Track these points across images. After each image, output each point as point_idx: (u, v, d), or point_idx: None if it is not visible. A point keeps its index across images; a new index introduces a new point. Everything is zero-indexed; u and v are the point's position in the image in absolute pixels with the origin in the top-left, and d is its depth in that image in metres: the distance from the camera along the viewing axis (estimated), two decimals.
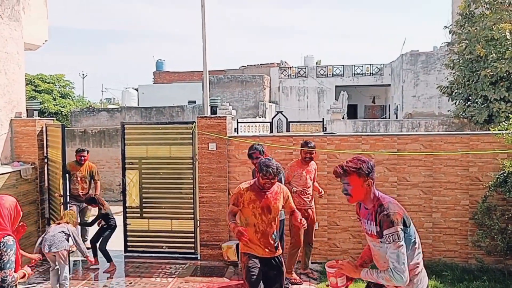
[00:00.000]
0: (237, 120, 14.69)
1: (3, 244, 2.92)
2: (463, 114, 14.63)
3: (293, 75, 27.92)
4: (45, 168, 7.05)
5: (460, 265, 6.16)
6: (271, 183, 3.95)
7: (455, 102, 15.29)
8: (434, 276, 5.73)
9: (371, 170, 2.83)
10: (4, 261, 2.91)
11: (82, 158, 7.42)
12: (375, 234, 2.78)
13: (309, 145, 5.86)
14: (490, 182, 6.04)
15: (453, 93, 15.16)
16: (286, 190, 4.17)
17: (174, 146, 6.89)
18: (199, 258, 6.76)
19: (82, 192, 7.33)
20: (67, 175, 6.84)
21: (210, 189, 6.70)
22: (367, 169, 2.81)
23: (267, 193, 3.99)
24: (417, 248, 2.82)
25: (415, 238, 2.81)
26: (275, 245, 4.04)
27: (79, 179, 7.32)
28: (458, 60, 14.68)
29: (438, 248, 6.34)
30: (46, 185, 7.08)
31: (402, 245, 2.66)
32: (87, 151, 7.56)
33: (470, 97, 14.47)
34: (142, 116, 19.51)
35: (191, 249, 6.85)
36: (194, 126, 6.76)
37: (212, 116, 6.81)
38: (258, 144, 5.66)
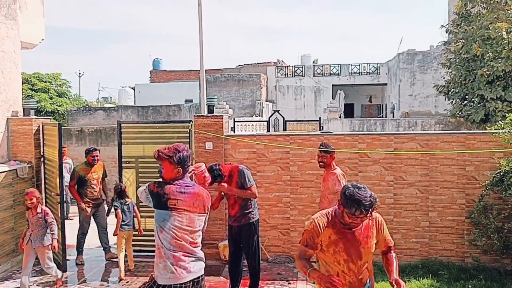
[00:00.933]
0: (234, 119, 14.70)
1: None
2: (460, 113, 14.69)
3: (290, 74, 27.94)
4: (42, 167, 7.02)
5: (456, 264, 6.18)
6: (361, 222, 2.86)
7: (452, 101, 15.35)
8: (430, 275, 5.75)
9: (182, 161, 3.23)
10: None
11: (95, 158, 6.82)
12: None
13: (321, 146, 5.42)
14: (486, 181, 6.06)
15: (450, 92, 15.22)
16: (379, 217, 3.01)
17: (171, 145, 6.86)
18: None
19: (100, 194, 6.98)
20: (76, 179, 6.69)
21: (207, 188, 6.68)
22: (178, 158, 3.21)
23: (353, 230, 2.89)
24: None
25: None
26: None
27: (95, 181, 6.84)
28: (454, 59, 14.74)
29: (435, 247, 6.36)
30: (43, 184, 7.05)
31: None
32: (99, 150, 6.97)
33: (466, 96, 14.54)
34: (139, 115, 19.49)
35: None
36: (191, 125, 6.75)
37: (209, 115, 6.81)
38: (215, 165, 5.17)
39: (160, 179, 3.35)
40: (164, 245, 3.13)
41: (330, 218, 2.88)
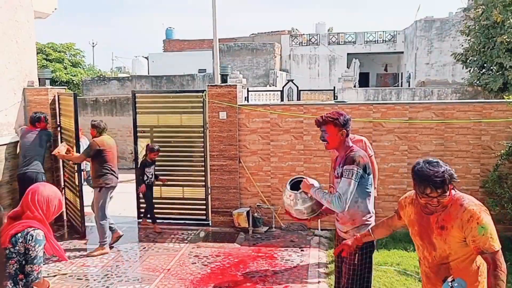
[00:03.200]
0: (248, 88, 14.64)
1: (31, 238, 2.48)
2: (477, 82, 14.40)
3: (304, 43, 27.51)
4: (59, 137, 7.15)
5: None
6: (438, 203, 2.42)
7: (470, 70, 15.02)
8: None
9: (346, 122, 3.20)
10: (31, 256, 2.48)
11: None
12: (339, 175, 3.16)
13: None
14: (502, 151, 6.00)
15: (468, 61, 14.88)
16: (473, 212, 2.37)
17: (185, 114, 6.92)
18: (210, 224, 6.90)
19: None
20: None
21: (221, 157, 6.76)
22: (343, 121, 3.18)
23: (430, 216, 2.52)
24: (370, 200, 3.23)
25: (371, 191, 3.21)
26: None
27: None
28: (473, 27, 14.32)
29: None
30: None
31: (354, 182, 3.04)
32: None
33: (485, 65, 14.20)
34: (152, 85, 19.52)
35: (203, 215, 6.98)
36: (205, 95, 6.76)
37: (223, 84, 6.79)
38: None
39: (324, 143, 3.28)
40: (370, 210, 3.24)
41: (416, 196, 2.54)
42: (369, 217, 3.23)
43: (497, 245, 2.31)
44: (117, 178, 5.99)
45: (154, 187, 6.87)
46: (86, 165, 7.62)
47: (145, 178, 6.67)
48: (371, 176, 3.22)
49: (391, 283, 4.77)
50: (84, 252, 5.84)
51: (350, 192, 3.03)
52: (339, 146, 3.23)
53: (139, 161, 6.95)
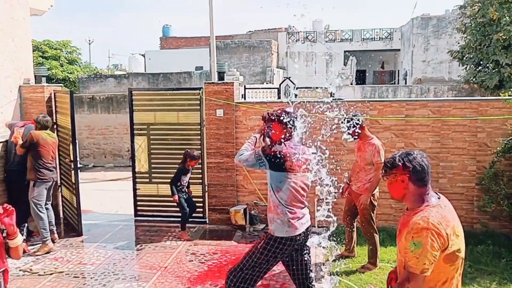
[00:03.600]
0: (245, 86, 14.60)
1: None
2: (474, 79, 14.43)
3: (301, 40, 27.50)
4: (55, 134, 7.12)
5: (465, 229, 6.16)
6: (388, 182, 2.43)
7: (466, 67, 15.06)
8: None
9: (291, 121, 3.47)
10: None
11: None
12: None
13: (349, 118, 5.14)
14: (498, 148, 6.02)
15: (464, 58, 14.92)
16: (415, 224, 2.19)
17: (182, 112, 6.91)
18: (207, 222, 6.90)
19: None
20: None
21: (218, 155, 6.76)
22: (288, 119, 3.43)
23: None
24: (287, 195, 3.36)
25: (284, 187, 3.35)
26: None
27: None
28: (470, 24, 14.36)
29: None
30: (57, 150, 7.17)
31: (253, 158, 3.46)
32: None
33: (481, 62, 14.24)
34: (149, 82, 19.48)
35: (200, 213, 6.97)
36: (202, 92, 6.75)
37: (220, 82, 6.79)
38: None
39: (267, 140, 3.54)
40: (282, 203, 3.37)
41: None
42: (281, 211, 3.36)
43: (418, 269, 2.10)
44: (53, 172, 5.94)
45: (150, 185, 6.85)
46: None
47: (179, 185, 6.23)
48: (285, 173, 3.35)
49: None
50: (81, 250, 5.84)
51: (245, 154, 3.51)
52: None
53: (136, 159, 6.94)
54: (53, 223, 6.07)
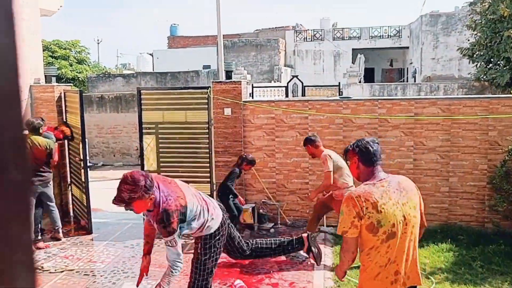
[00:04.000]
0: (252, 84, 14.60)
1: None
2: (484, 77, 14.27)
3: (309, 38, 27.42)
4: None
5: (476, 229, 6.18)
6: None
7: (476, 65, 14.90)
8: (449, 239, 5.77)
9: (150, 188, 3.16)
10: None
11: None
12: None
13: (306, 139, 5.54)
14: (509, 146, 5.95)
15: (474, 55, 14.75)
16: (345, 196, 2.75)
17: (190, 111, 6.92)
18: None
19: None
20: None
21: (226, 154, 6.76)
22: (148, 187, 3.13)
23: None
24: (204, 217, 3.62)
25: (201, 219, 3.61)
26: None
27: None
28: (480, 21, 14.19)
29: (454, 212, 6.36)
30: (67, 150, 7.23)
31: (178, 239, 3.38)
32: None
33: (491, 59, 14.08)
34: (157, 81, 19.54)
35: None
36: (210, 91, 6.75)
37: (227, 81, 6.79)
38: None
39: None
40: (204, 222, 3.72)
41: None
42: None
43: (339, 231, 2.65)
44: (38, 177, 5.89)
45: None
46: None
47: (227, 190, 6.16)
48: (194, 214, 3.49)
49: None
50: (91, 248, 5.88)
51: (178, 253, 3.37)
52: (150, 206, 3.28)
53: (145, 157, 6.96)
54: (58, 223, 6.17)
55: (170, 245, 3.33)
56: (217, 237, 3.72)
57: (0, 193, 0.54)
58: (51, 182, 6.16)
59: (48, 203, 6.03)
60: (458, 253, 5.41)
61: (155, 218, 3.28)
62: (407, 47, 26.74)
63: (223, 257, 5.46)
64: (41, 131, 6.02)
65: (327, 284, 4.72)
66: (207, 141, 6.89)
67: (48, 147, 5.93)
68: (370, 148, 2.69)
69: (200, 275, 3.66)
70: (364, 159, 2.70)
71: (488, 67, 14.22)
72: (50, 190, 6.09)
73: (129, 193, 3.04)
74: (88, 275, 5.05)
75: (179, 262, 3.37)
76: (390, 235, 2.56)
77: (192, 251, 3.90)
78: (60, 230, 6.19)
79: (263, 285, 4.64)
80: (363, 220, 2.55)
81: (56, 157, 6.10)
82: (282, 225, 6.69)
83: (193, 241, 4.01)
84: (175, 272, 3.36)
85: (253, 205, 6.67)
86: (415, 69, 24.69)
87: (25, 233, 0.57)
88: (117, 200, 3.08)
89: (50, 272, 5.09)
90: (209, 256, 3.69)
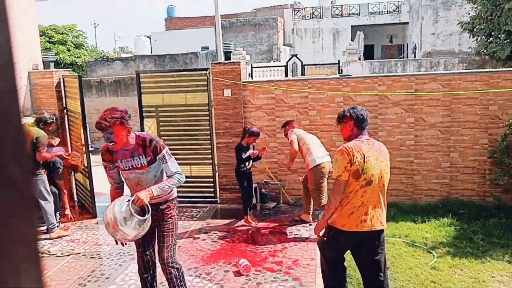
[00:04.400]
0: (251, 65, 14.51)
1: None
2: (485, 50, 14.15)
3: (308, 16, 27.08)
4: (65, 119, 7.19)
5: (477, 203, 6.23)
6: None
7: (477, 39, 14.75)
8: (450, 214, 5.83)
9: (129, 117, 3.27)
10: None
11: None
12: (146, 164, 3.29)
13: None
14: (510, 120, 5.95)
15: (475, 29, 14.60)
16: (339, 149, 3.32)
17: (190, 93, 6.91)
18: (218, 201, 6.97)
19: None
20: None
21: (227, 135, 6.78)
22: (127, 117, 3.23)
23: None
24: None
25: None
26: None
27: None
28: None
29: (455, 187, 6.40)
30: (68, 135, 7.25)
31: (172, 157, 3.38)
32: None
33: (492, 33, 13.93)
34: (156, 64, 19.42)
35: (211, 193, 7.05)
36: (209, 73, 6.72)
37: (226, 62, 6.75)
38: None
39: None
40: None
41: None
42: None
43: (335, 175, 3.22)
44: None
45: None
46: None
47: (242, 166, 5.90)
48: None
49: (399, 254, 4.82)
50: (96, 232, 5.95)
51: (177, 166, 3.37)
52: (126, 142, 3.26)
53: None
54: (51, 221, 5.72)
55: (168, 157, 3.31)
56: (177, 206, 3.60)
57: (1, 188, 0.54)
58: (42, 177, 5.64)
59: (39, 199, 5.59)
60: (459, 227, 5.47)
61: (137, 150, 3.28)
62: (407, 23, 26.43)
63: (228, 238, 5.55)
64: (50, 128, 5.88)
65: None
66: (208, 123, 6.89)
67: (34, 138, 5.41)
68: (364, 115, 3.34)
69: (174, 245, 3.55)
70: (358, 123, 3.31)
71: (488, 40, 14.09)
72: (39, 185, 5.59)
73: (110, 115, 3.16)
74: (95, 258, 5.12)
75: (182, 173, 3.36)
76: (368, 182, 3.17)
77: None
78: (55, 229, 5.74)
79: (268, 263, 4.72)
80: (352, 167, 3.15)
81: (42, 156, 5.52)
82: (284, 204, 6.75)
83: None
84: (181, 179, 3.33)
85: (256, 185, 6.72)
86: (415, 44, 24.45)
87: (29, 227, 0.57)
88: (99, 123, 3.14)
89: (57, 256, 5.16)
90: (175, 226, 3.57)
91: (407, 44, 27.47)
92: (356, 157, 3.13)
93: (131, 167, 3.31)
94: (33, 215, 0.59)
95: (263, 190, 6.76)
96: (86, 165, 6.56)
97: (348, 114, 3.35)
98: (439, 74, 6.55)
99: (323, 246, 3.49)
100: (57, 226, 5.83)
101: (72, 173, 7.12)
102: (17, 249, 0.56)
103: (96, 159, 10.36)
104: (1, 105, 0.55)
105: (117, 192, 3.47)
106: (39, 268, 0.59)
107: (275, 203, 6.74)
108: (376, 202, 3.23)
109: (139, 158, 3.29)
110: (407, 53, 27.16)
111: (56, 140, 6.25)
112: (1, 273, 0.54)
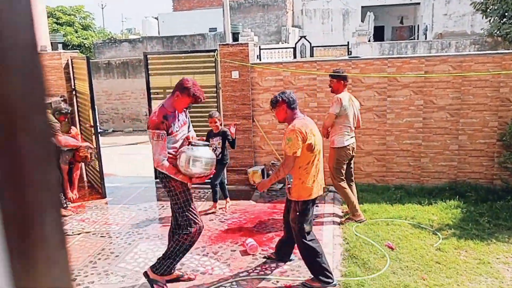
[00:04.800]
0: (260, 46, 14.40)
1: None
2: (498, 32, 13.89)
3: None
4: (74, 100, 7.23)
5: (484, 186, 6.21)
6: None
7: (490, 20, 14.47)
8: (457, 196, 5.82)
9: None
10: None
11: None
12: (186, 120, 4.17)
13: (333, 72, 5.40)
14: None
15: (488, 10, 14.30)
16: (288, 129, 3.83)
17: (197, 75, 6.89)
18: (226, 183, 7.01)
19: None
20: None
21: (235, 117, 6.78)
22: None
23: None
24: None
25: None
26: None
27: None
28: None
29: (463, 169, 6.37)
30: (77, 117, 7.30)
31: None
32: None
33: (506, 13, 13.65)
34: (163, 45, 19.36)
35: None
36: (217, 54, 6.70)
37: (234, 43, 6.71)
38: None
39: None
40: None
41: None
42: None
43: (290, 152, 3.65)
44: None
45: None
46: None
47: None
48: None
49: (405, 236, 4.85)
50: (106, 212, 6.04)
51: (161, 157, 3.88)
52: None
53: None
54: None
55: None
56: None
57: (26, 136, 0.57)
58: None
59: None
60: (466, 210, 5.47)
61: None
62: (418, 3, 25.92)
63: (234, 218, 5.60)
64: (64, 119, 6.00)
65: (336, 241, 4.83)
66: (216, 104, 6.89)
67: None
68: (293, 97, 3.81)
69: (183, 211, 3.85)
70: (290, 105, 3.78)
71: (502, 21, 13.81)
72: None
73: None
74: (104, 236, 5.22)
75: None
76: (318, 153, 3.76)
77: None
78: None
79: (274, 243, 4.77)
80: (306, 143, 3.64)
81: (58, 140, 5.66)
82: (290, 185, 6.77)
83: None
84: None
85: (262, 166, 6.75)
86: (426, 26, 24.05)
87: (50, 175, 0.60)
88: (203, 98, 3.91)
89: (68, 235, 5.27)
90: (183, 197, 3.85)
91: (418, 25, 27.00)
92: (307, 134, 3.65)
93: (179, 126, 3.91)
94: (54, 163, 0.62)
95: (270, 172, 6.79)
96: (95, 146, 6.62)
97: (280, 99, 3.79)
98: (450, 56, 6.46)
99: (299, 222, 3.79)
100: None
101: (83, 165, 7.20)
102: (40, 195, 0.58)
103: (104, 141, 10.47)
104: (26, 59, 0.57)
105: (169, 161, 3.81)
106: (59, 214, 0.62)
107: (282, 184, 6.77)
108: (321, 167, 3.85)
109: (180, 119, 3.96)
110: (418, 35, 26.73)
111: (73, 129, 6.39)
112: (28, 219, 0.56)
